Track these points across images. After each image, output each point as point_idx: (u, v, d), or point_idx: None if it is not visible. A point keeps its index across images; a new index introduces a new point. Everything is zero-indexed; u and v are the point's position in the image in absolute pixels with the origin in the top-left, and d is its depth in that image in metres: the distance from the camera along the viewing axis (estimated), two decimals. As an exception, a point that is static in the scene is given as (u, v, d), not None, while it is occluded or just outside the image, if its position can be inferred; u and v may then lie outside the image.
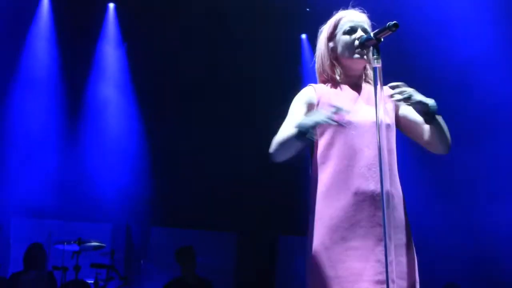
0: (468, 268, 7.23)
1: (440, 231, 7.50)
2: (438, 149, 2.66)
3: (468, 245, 7.31)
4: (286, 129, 2.55)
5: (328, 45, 2.74)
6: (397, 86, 2.53)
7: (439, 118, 2.57)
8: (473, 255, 7.26)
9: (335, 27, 2.73)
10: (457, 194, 7.48)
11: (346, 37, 2.67)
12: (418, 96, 2.51)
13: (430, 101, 2.53)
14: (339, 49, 2.69)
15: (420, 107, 2.54)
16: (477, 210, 7.23)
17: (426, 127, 2.64)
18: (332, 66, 2.73)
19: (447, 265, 7.30)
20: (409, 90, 2.51)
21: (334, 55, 2.73)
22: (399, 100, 2.51)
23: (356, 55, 2.64)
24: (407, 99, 2.49)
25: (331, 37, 2.74)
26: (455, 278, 7.22)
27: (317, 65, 2.80)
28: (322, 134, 2.60)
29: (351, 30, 2.67)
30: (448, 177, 7.53)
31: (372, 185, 2.48)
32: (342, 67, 2.72)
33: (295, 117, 2.60)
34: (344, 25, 2.69)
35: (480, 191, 7.22)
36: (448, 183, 7.60)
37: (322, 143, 2.60)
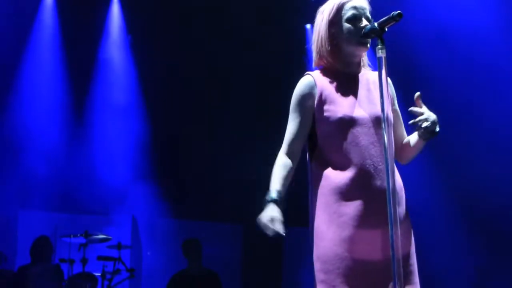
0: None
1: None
2: (403, 158, 2.74)
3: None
4: (276, 164, 2.61)
5: (329, 30, 2.68)
6: (420, 113, 2.54)
7: None
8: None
9: (338, 12, 2.66)
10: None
11: (350, 25, 2.62)
12: (437, 127, 2.56)
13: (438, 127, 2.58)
14: (342, 36, 2.64)
15: (429, 134, 2.58)
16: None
17: (405, 136, 2.74)
18: (333, 53, 2.67)
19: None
20: (432, 119, 2.54)
21: (335, 41, 2.67)
22: (422, 128, 2.54)
23: (360, 44, 2.61)
24: (429, 132, 2.55)
25: (333, 22, 2.67)
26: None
27: (315, 48, 2.73)
28: (326, 128, 2.58)
29: (355, 18, 2.62)
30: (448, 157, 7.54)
31: (379, 183, 2.48)
32: (343, 53, 2.67)
33: (290, 128, 2.64)
34: (347, 12, 2.63)
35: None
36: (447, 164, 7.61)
37: (327, 138, 2.58)
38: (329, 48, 2.67)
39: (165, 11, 8.05)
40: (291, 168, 2.61)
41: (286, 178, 2.58)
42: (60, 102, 8.20)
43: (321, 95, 2.61)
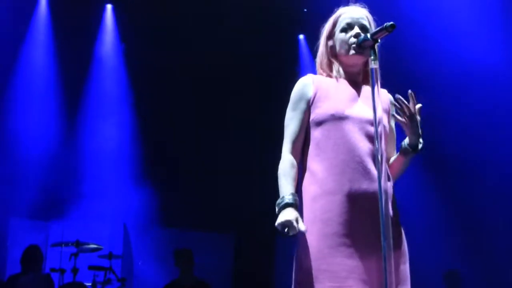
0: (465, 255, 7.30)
1: (435, 219, 7.60)
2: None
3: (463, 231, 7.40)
4: (283, 166, 2.58)
5: (327, 43, 2.75)
6: (412, 102, 2.53)
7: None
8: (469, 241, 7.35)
9: (334, 25, 2.73)
10: (452, 184, 7.55)
11: (342, 35, 2.67)
12: (418, 126, 2.54)
13: (421, 142, 2.58)
14: (337, 47, 2.70)
15: (413, 137, 2.57)
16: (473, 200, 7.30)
17: (394, 152, 2.71)
18: (330, 64, 2.74)
19: (445, 253, 7.39)
20: (416, 118, 2.54)
21: (332, 53, 2.73)
22: (401, 112, 2.52)
23: (352, 52, 2.63)
24: (409, 118, 2.52)
25: (330, 35, 2.74)
26: (454, 265, 7.31)
27: (317, 63, 2.81)
28: (319, 124, 2.59)
29: (348, 27, 2.66)
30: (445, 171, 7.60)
31: (366, 183, 2.46)
32: (340, 64, 2.72)
33: (291, 127, 2.64)
34: (342, 23, 2.69)
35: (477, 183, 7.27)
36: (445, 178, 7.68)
37: (318, 134, 2.59)
38: (326, 60, 2.75)
39: (159, 20, 8.06)
40: (296, 169, 2.61)
41: (295, 179, 2.57)
42: (52, 109, 8.18)
43: (316, 92, 2.65)
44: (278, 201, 2.49)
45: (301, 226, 2.39)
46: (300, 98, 2.66)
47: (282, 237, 2.43)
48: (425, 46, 7.13)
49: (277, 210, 2.47)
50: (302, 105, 2.65)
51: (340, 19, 2.70)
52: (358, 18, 2.67)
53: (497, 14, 6.92)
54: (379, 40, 2.41)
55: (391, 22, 2.31)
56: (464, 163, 7.25)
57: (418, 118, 2.53)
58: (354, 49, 2.61)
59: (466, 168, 7.25)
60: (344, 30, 2.66)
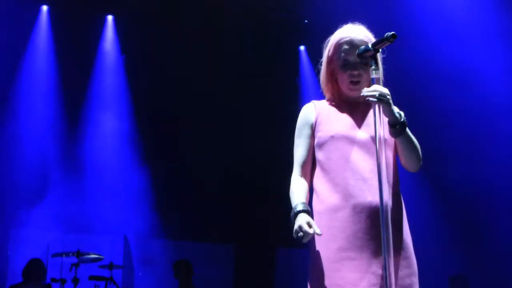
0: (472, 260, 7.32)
1: (441, 224, 7.62)
2: (407, 165, 2.67)
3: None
4: (293, 185, 2.65)
5: (328, 68, 2.78)
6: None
7: (408, 135, 2.56)
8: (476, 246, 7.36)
9: (335, 51, 2.73)
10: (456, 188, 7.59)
11: (342, 72, 2.69)
12: (388, 103, 2.46)
13: (400, 114, 2.52)
14: (338, 80, 2.74)
15: (387, 115, 2.50)
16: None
17: None
18: (332, 88, 2.79)
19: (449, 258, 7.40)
20: (382, 92, 2.43)
21: (333, 78, 2.77)
22: (367, 97, 2.44)
23: (351, 89, 2.69)
24: (373, 98, 2.42)
25: (332, 59, 2.75)
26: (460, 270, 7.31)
27: (320, 83, 2.85)
28: (321, 146, 2.66)
29: (347, 64, 2.67)
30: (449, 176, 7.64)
31: (369, 198, 2.51)
32: (341, 89, 2.76)
33: (299, 152, 2.72)
34: (341, 55, 2.69)
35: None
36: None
37: (321, 156, 2.66)
38: (327, 84, 2.79)
39: (160, 31, 8.09)
40: (307, 187, 2.67)
41: (305, 194, 2.62)
42: (52, 120, 8.19)
43: (318, 117, 2.73)
44: (291, 213, 2.53)
45: (316, 229, 2.41)
46: (304, 124, 2.75)
47: (301, 242, 2.44)
48: (429, 56, 7.16)
49: (292, 221, 2.51)
50: (306, 131, 2.73)
51: (341, 50, 2.69)
52: (355, 54, 2.61)
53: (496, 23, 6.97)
54: (380, 50, 2.43)
55: (392, 32, 2.33)
56: (470, 170, 7.27)
57: (382, 90, 2.43)
58: (351, 88, 2.68)
59: (472, 175, 7.27)
60: (343, 67, 2.68)
